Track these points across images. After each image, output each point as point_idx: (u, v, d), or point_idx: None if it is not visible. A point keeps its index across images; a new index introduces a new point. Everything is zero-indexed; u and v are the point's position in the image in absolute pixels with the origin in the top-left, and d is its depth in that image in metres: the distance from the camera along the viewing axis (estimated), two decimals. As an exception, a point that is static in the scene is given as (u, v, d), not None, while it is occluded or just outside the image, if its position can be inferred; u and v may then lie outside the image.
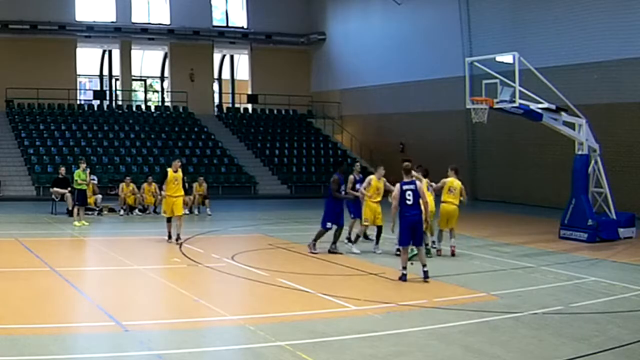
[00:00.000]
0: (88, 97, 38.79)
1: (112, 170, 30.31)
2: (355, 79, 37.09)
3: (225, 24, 39.99)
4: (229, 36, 39.55)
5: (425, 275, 12.05)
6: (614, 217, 18.24)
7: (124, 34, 36.87)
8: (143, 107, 38.59)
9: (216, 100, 40.38)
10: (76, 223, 19.62)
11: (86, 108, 36.50)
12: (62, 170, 23.79)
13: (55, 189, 22.88)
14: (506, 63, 18.16)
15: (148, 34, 37.52)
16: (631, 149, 23.38)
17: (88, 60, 38.45)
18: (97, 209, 22.81)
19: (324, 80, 39.82)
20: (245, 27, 39.78)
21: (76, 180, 20.29)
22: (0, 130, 32.28)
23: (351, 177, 16.22)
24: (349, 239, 15.90)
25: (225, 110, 39.99)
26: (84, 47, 37.15)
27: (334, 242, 15.17)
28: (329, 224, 15.04)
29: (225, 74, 42.17)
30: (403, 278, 12.07)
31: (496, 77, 17.57)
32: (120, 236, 18.96)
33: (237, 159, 34.17)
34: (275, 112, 39.60)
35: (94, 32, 36.31)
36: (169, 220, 16.52)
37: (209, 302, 10.50)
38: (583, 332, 9.04)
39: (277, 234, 18.80)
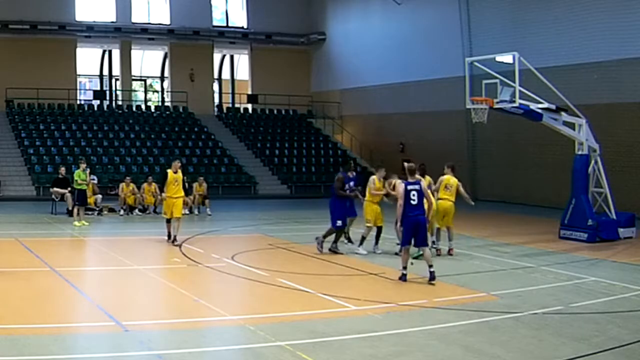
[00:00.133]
0: (88, 97, 38.79)
1: (112, 170, 30.31)
2: (355, 79, 37.08)
3: (225, 24, 39.98)
4: (229, 36, 39.55)
5: (432, 277, 11.88)
6: (614, 217, 18.23)
7: (124, 34, 36.87)
8: (143, 107, 38.59)
9: (216, 100, 40.38)
10: (76, 223, 19.62)
11: (86, 108, 36.51)
12: (62, 170, 23.79)
13: (55, 189, 22.88)
14: (506, 63, 18.14)
15: (148, 34, 37.52)
16: (631, 149, 23.38)
17: (88, 60, 38.45)
18: (97, 209, 22.82)
19: (324, 80, 39.81)
20: (245, 27, 39.78)
21: (76, 180, 20.30)
22: (0, 130, 32.30)
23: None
24: (349, 239, 15.91)
25: (225, 110, 39.99)
26: (84, 47, 37.16)
27: (335, 242, 15.18)
28: (339, 222, 15.03)
29: (225, 74, 42.17)
30: (403, 278, 12.06)
31: (496, 77, 17.55)
32: (120, 236, 18.95)
33: (237, 159, 34.16)
34: (275, 112, 39.60)
35: (94, 32, 36.31)
36: (168, 221, 16.51)
37: (209, 302, 10.50)
38: (583, 332, 9.03)
39: (277, 234, 18.80)
